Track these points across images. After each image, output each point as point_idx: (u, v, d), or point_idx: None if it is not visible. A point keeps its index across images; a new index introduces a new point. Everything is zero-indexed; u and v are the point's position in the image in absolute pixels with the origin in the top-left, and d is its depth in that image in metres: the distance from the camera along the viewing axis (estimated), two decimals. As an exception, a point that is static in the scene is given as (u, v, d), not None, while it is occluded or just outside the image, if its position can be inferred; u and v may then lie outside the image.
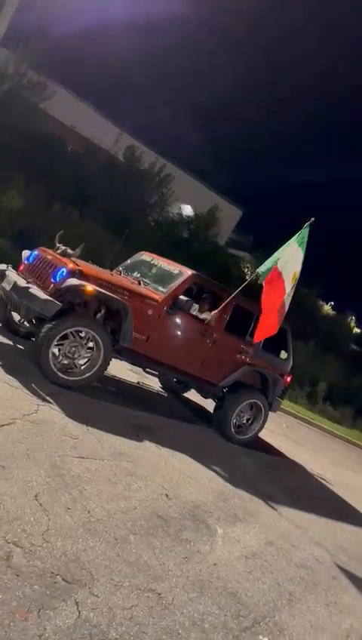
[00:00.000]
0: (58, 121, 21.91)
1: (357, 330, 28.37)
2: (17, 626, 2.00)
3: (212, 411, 7.80)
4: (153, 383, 7.73)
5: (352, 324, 27.79)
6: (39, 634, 2.02)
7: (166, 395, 7.64)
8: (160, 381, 7.82)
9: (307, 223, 6.20)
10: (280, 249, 6.16)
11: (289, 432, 10.14)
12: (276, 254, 6.14)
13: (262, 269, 6.14)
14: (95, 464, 3.79)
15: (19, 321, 6.19)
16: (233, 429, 6.54)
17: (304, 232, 6.18)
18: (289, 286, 6.20)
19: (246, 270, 23.15)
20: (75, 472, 3.50)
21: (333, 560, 4.45)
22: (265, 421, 6.88)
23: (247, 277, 20.14)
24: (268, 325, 6.13)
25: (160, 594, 2.68)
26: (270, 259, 6.14)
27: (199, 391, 6.74)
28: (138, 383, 7.27)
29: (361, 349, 27.21)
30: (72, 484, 3.30)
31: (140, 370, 6.59)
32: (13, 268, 5.87)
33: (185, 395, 8.12)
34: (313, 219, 6.18)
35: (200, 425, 6.76)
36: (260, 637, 2.78)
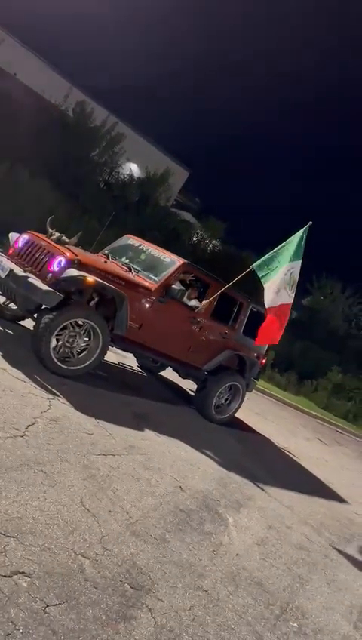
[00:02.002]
0: (4, 72, 20.71)
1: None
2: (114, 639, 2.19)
3: (186, 389, 8.12)
4: (131, 362, 7.88)
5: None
6: (132, 645, 2.22)
7: (145, 375, 7.81)
8: (137, 361, 7.97)
9: (304, 227, 6.37)
10: (281, 252, 6.29)
11: (250, 404, 10.61)
12: (278, 257, 6.28)
13: (260, 271, 6.28)
14: (115, 460, 3.95)
15: (4, 303, 6.11)
16: (213, 410, 6.84)
17: (302, 236, 6.32)
18: (293, 295, 6.43)
19: (194, 239, 23.27)
20: (103, 471, 3.66)
21: (321, 538, 4.89)
22: (242, 401, 7.23)
23: (194, 241, 19.91)
24: (271, 331, 6.32)
25: (207, 591, 2.93)
26: (267, 256, 6.31)
27: (182, 374, 6.95)
28: (118, 363, 7.39)
29: (301, 316, 28.25)
30: (105, 485, 3.46)
31: (115, 348, 6.62)
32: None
33: (160, 373, 8.32)
34: (310, 222, 6.36)
35: (181, 405, 7.02)
36: (290, 623, 3.12)
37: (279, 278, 6.18)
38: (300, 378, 19.78)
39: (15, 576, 2.22)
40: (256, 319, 7.20)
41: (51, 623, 2.08)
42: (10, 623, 1.98)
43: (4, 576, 2.19)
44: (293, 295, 6.32)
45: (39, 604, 2.14)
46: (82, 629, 2.15)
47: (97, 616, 2.27)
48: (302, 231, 6.36)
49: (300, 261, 6.33)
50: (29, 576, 2.26)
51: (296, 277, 6.32)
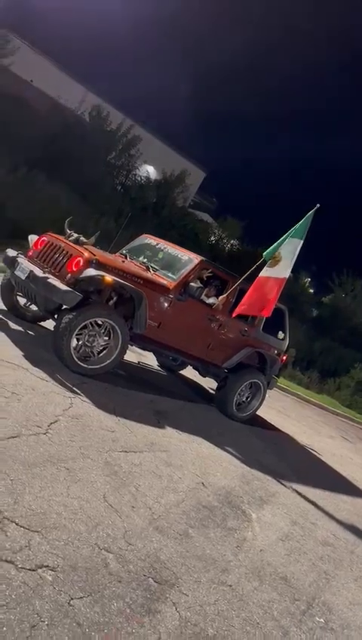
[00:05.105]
0: (21, 79, 20.95)
1: (311, 291, 28.87)
2: (139, 632, 2.19)
3: (206, 387, 8.11)
4: (151, 362, 7.89)
5: (306, 285, 28.20)
6: (157, 638, 2.22)
7: (165, 373, 7.81)
8: (157, 360, 7.98)
9: (312, 210, 6.32)
10: (286, 235, 6.29)
11: (272, 402, 10.55)
12: (281, 240, 6.28)
13: (268, 254, 6.29)
14: (137, 457, 3.96)
15: (25, 304, 6.18)
16: (234, 408, 6.80)
17: (308, 219, 6.29)
18: (288, 271, 6.37)
19: (212, 238, 23.23)
20: (125, 467, 3.67)
21: (346, 535, 4.83)
22: (263, 399, 7.18)
23: (212, 241, 19.84)
24: (252, 303, 6.26)
25: (231, 586, 2.92)
26: (277, 243, 6.28)
27: (202, 372, 6.93)
28: (138, 362, 7.41)
29: (322, 313, 27.93)
30: (127, 481, 3.47)
31: (134, 347, 6.62)
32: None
33: (180, 372, 8.32)
34: (318, 205, 6.30)
35: (202, 404, 6.99)
36: (317, 618, 3.08)
37: (281, 251, 6.19)
38: (322, 376, 19.60)
39: (40, 570, 2.23)
40: (277, 315, 7.16)
41: (76, 616, 2.09)
42: (36, 615, 1.99)
43: (29, 569, 2.20)
44: (289, 272, 6.25)
45: (64, 597, 2.15)
46: (107, 622, 2.15)
47: (122, 609, 2.27)
48: (309, 213, 6.32)
49: (301, 241, 6.26)
50: (53, 570, 2.27)
51: (295, 255, 6.26)
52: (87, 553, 2.51)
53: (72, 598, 2.17)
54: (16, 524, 2.44)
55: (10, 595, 2.02)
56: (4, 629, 1.86)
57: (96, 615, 2.16)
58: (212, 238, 23.17)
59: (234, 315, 6.41)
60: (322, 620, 3.10)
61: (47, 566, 2.28)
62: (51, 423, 3.73)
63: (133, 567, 2.59)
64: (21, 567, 2.19)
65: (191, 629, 2.39)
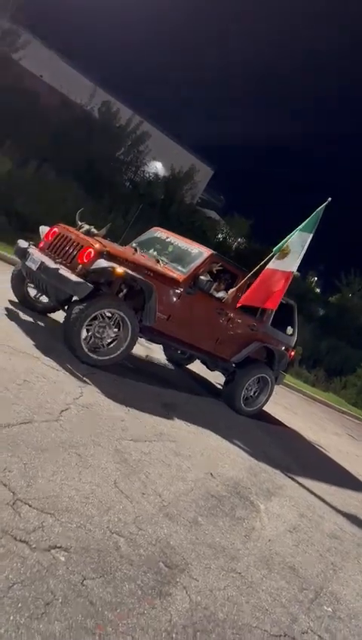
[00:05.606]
0: (32, 74, 20.99)
1: (317, 290, 28.80)
2: (150, 613, 2.21)
3: (213, 381, 8.12)
4: (158, 355, 7.91)
5: (313, 284, 28.12)
6: (168, 619, 2.24)
7: (172, 367, 7.83)
8: (165, 354, 8.00)
9: (323, 204, 6.29)
10: (296, 229, 6.28)
11: (278, 398, 10.55)
12: (291, 234, 6.27)
13: (277, 248, 6.29)
14: (146, 446, 3.98)
15: (35, 296, 6.21)
16: (242, 402, 6.81)
17: (318, 213, 6.27)
18: (296, 265, 6.36)
19: (220, 236, 23.21)
20: (135, 455, 3.69)
21: (353, 529, 4.83)
22: (270, 394, 7.19)
23: (219, 238, 19.77)
24: (257, 295, 6.25)
25: (240, 573, 2.93)
26: (286, 239, 6.28)
27: (210, 366, 6.94)
28: (146, 356, 7.43)
29: (329, 312, 27.85)
30: (137, 469, 3.49)
31: (142, 341, 6.63)
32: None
33: (187, 366, 8.34)
34: (329, 199, 6.28)
35: (209, 397, 7.01)
36: (325, 607, 3.10)
37: (290, 243, 6.18)
38: (328, 375, 19.58)
39: (53, 551, 2.26)
40: (286, 310, 7.17)
41: (89, 595, 2.12)
42: (50, 593, 2.01)
43: (43, 549, 2.23)
44: (297, 266, 6.23)
45: (77, 577, 2.18)
46: (119, 602, 2.17)
47: (133, 591, 2.29)
48: (321, 207, 6.29)
49: (311, 235, 6.24)
50: (66, 551, 2.30)
51: (304, 249, 6.23)
52: (99, 536, 2.53)
53: (84, 579, 2.20)
54: (30, 505, 2.46)
55: (25, 573, 2.05)
56: (20, 605, 1.88)
57: (108, 595, 2.18)
58: (219, 236, 23.16)
59: (238, 305, 6.39)
60: (330, 609, 3.11)
61: (60, 547, 2.30)
62: (62, 411, 3.76)
63: (143, 551, 2.61)
64: (35, 547, 2.21)
65: (201, 612, 2.41)
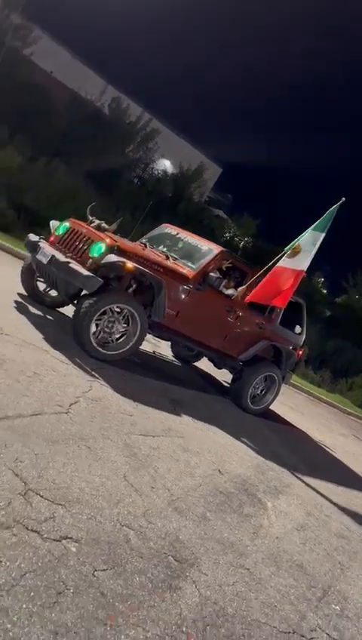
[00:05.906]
0: (42, 70, 20.99)
1: (324, 291, 28.67)
2: (161, 606, 2.20)
3: (219, 379, 8.11)
4: (165, 352, 7.91)
5: (320, 285, 27.98)
6: (178, 612, 2.23)
7: (179, 364, 7.82)
8: (172, 350, 7.99)
9: (337, 204, 6.25)
10: (309, 228, 6.24)
11: (285, 399, 10.53)
12: (304, 232, 6.24)
13: (289, 247, 6.26)
14: (155, 441, 3.97)
15: (44, 290, 6.21)
16: (249, 400, 6.80)
17: (332, 212, 6.22)
18: (307, 264, 6.32)
19: (227, 235, 23.18)
20: (144, 450, 3.68)
21: (359, 529, 4.81)
22: (278, 392, 7.17)
23: (226, 237, 19.71)
24: (265, 292, 6.22)
25: (249, 569, 2.92)
26: (298, 239, 6.25)
27: (218, 363, 6.93)
28: (154, 352, 7.43)
29: (335, 313, 27.73)
30: (146, 463, 3.48)
31: (149, 337, 6.60)
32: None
33: (194, 364, 8.33)
34: (344, 199, 6.23)
35: (215, 395, 7.00)
36: (333, 606, 3.08)
37: (301, 242, 6.14)
38: (334, 376, 19.52)
39: (64, 541, 2.25)
40: (295, 309, 7.15)
41: (100, 586, 2.11)
42: (62, 583, 2.01)
43: (54, 540, 2.22)
44: (307, 265, 6.19)
45: (88, 568, 2.17)
46: (130, 594, 2.17)
47: (144, 583, 2.29)
48: (334, 206, 6.24)
49: (323, 234, 6.19)
50: (77, 542, 2.29)
51: (315, 248, 6.18)
52: (109, 528, 2.53)
53: (95, 570, 2.19)
54: (41, 496, 2.46)
55: (37, 562, 2.04)
56: (32, 593, 1.88)
57: (119, 587, 2.17)
58: (226, 234, 23.13)
59: (246, 301, 6.36)
60: (338, 607, 3.10)
61: (71, 538, 2.30)
62: (72, 404, 3.76)
63: (153, 545, 2.61)
64: (46, 537, 2.21)
65: (211, 606, 2.40)
